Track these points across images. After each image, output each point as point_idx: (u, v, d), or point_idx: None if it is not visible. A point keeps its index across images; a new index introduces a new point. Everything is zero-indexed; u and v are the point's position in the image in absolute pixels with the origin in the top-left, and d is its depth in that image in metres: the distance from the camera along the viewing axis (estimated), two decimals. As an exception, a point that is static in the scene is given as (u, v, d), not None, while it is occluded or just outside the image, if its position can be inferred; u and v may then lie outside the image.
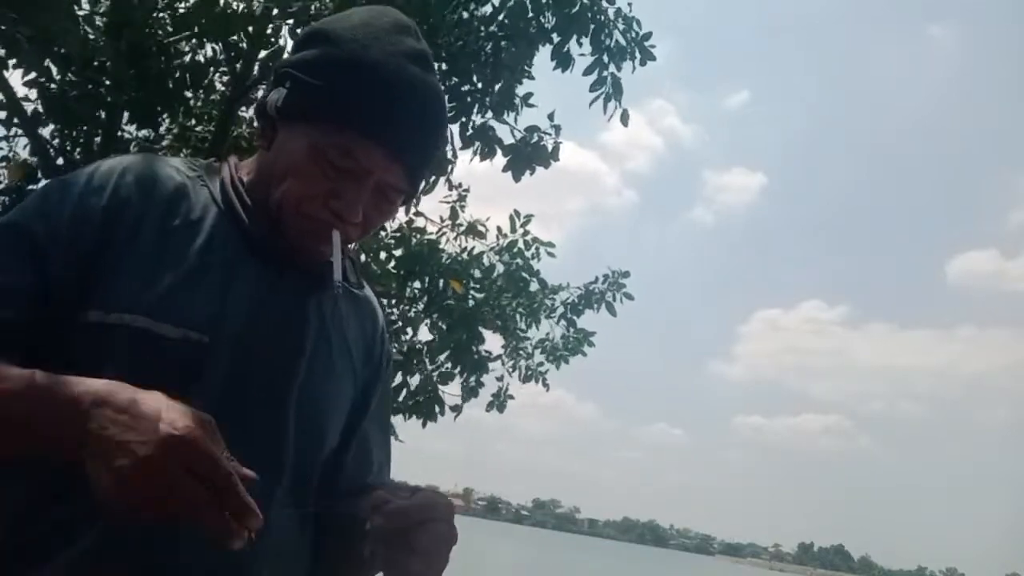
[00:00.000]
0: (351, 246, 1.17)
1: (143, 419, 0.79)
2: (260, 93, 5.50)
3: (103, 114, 4.57)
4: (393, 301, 4.81)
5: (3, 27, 2.88)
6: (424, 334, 5.18)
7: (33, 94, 4.49)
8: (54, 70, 4.21)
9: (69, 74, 4.32)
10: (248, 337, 1.01)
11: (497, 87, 4.24)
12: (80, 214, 0.99)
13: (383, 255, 4.83)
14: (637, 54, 4.39)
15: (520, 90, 4.43)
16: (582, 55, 4.33)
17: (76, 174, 1.03)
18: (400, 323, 4.92)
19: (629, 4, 4.36)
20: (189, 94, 4.96)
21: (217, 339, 0.99)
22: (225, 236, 1.05)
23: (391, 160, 1.04)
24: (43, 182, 4.79)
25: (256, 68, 4.92)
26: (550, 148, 4.57)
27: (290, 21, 4.28)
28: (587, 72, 4.35)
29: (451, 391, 5.04)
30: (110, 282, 0.97)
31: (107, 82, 4.30)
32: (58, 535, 0.92)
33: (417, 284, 4.94)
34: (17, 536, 0.93)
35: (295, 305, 1.08)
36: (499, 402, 5.45)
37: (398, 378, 4.74)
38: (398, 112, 1.04)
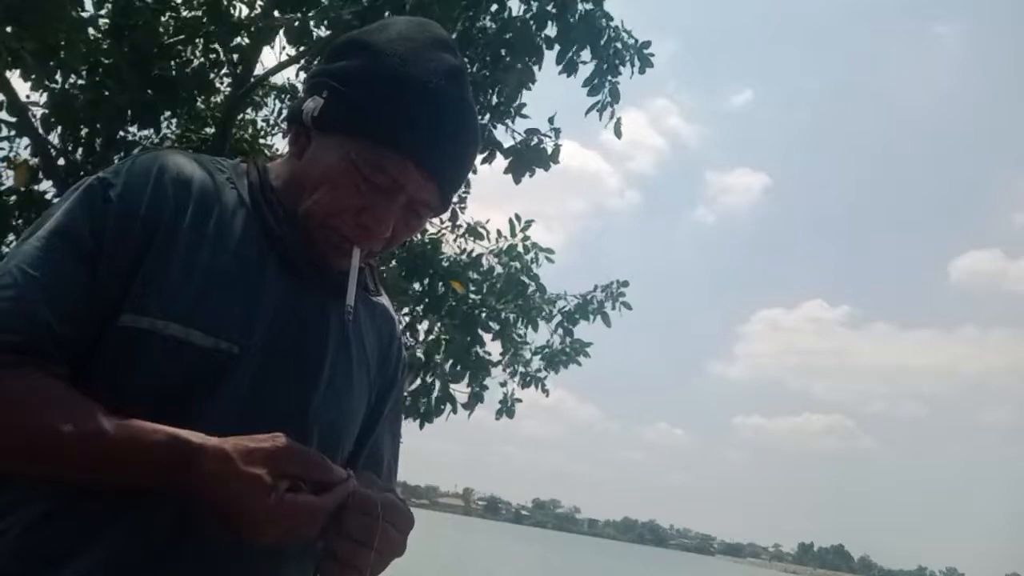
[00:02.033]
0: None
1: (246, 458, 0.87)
2: (269, 98, 5.51)
3: (104, 114, 4.58)
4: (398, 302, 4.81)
5: (8, 43, 2.88)
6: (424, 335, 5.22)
7: (36, 96, 4.51)
8: (58, 74, 4.23)
9: (75, 77, 4.33)
10: (275, 346, 1.01)
11: (495, 93, 4.26)
12: (124, 219, 0.97)
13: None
14: (636, 61, 4.42)
15: (520, 98, 4.46)
16: (584, 62, 4.36)
17: (114, 173, 1.01)
18: (406, 323, 4.92)
19: (625, 25, 4.41)
20: (193, 96, 4.97)
21: (246, 348, 0.98)
22: (254, 241, 1.04)
23: (426, 178, 1.04)
24: (44, 182, 4.81)
25: (257, 70, 4.95)
26: (550, 151, 4.60)
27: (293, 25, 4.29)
28: (587, 83, 4.40)
29: (459, 388, 5.02)
30: (144, 285, 0.96)
31: (111, 84, 4.31)
32: (70, 542, 0.92)
33: (416, 285, 4.95)
34: (31, 541, 0.92)
35: (318, 313, 1.07)
36: (507, 408, 5.46)
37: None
38: (436, 131, 1.03)
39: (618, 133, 4.58)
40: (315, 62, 3.96)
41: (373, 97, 1.02)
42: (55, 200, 4.76)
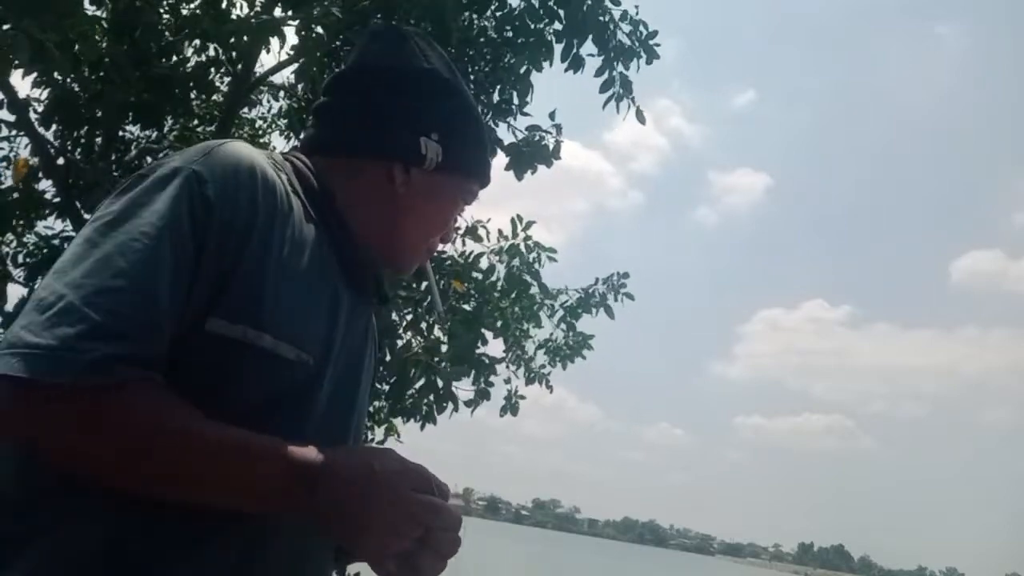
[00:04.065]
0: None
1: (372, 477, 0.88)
2: (266, 96, 5.46)
3: (103, 114, 4.57)
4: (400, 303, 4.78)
5: (31, 35, 2.88)
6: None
7: (36, 93, 4.49)
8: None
9: (83, 73, 4.32)
10: (341, 358, 1.06)
11: (497, 88, 4.25)
12: (223, 222, 0.93)
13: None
14: (642, 53, 4.40)
15: (531, 95, 4.44)
16: (590, 55, 4.34)
17: (205, 167, 0.95)
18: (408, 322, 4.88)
19: (636, 7, 4.38)
20: (192, 95, 4.95)
21: (322, 361, 1.01)
22: (322, 253, 1.05)
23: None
24: (43, 182, 4.78)
25: (257, 70, 4.93)
26: (551, 147, 4.58)
27: (293, 23, 4.27)
28: (598, 74, 4.37)
29: (463, 387, 4.97)
30: (237, 292, 0.93)
31: (115, 80, 4.29)
32: (152, 558, 0.89)
33: (416, 285, 4.93)
34: (115, 554, 0.88)
35: (364, 324, 1.14)
36: (511, 405, 5.42)
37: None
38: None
39: (641, 119, 4.54)
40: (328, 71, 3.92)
41: (474, 143, 1.19)
42: (55, 200, 4.79)
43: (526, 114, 4.50)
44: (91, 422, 0.83)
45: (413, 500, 0.87)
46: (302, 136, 1.21)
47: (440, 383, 4.56)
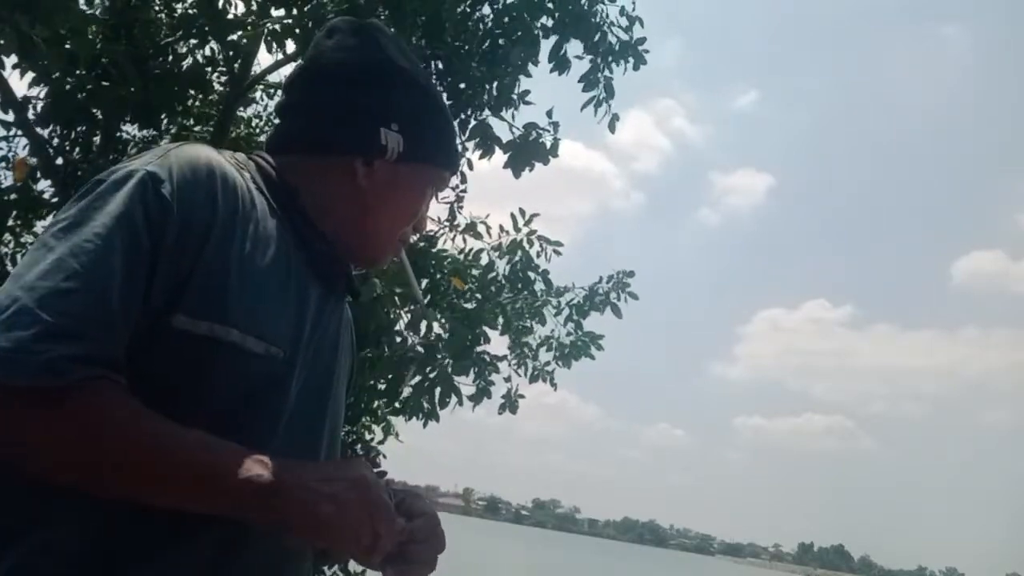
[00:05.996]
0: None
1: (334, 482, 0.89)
2: (262, 95, 5.45)
3: (102, 113, 4.56)
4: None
5: (20, 29, 2.88)
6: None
7: (35, 91, 4.49)
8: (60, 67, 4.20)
9: (78, 72, 4.31)
10: (310, 353, 1.05)
11: (495, 84, 4.25)
12: (181, 221, 0.93)
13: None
14: (630, 57, 4.40)
15: (518, 87, 4.43)
16: (578, 57, 4.35)
17: (162, 167, 0.96)
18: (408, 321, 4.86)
19: (633, 3, 4.38)
20: (189, 94, 4.95)
21: (291, 355, 1.01)
22: (287, 249, 1.05)
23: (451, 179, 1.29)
24: (42, 182, 4.78)
25: (254, 68, 4.94)
26: (548, 145, 4.58)
27: (287, 22, 4.27)
28: (584, 79, 4.38)
29: (464, 382, 4.91)
30: (198, 288, 0.94)
31: (113, 77, 4.29)
32: (126, 557, 0.90)
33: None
34: (88, 554, 0.89)
35: (334, 320, 1.14)
36: (511, 403, 5.32)
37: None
38: (457, 144, 1.28)
39: (612, 128, 4.57)
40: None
41: (437, 130, 1.19)
42: (55, 200, 4.78)
43: (528, 103, 4.49)
44: (47, 423, 0.84)
45: (393, 511, 0.92)
46: (266, 135, 1.23)
47: (442, 379, 4.54)
